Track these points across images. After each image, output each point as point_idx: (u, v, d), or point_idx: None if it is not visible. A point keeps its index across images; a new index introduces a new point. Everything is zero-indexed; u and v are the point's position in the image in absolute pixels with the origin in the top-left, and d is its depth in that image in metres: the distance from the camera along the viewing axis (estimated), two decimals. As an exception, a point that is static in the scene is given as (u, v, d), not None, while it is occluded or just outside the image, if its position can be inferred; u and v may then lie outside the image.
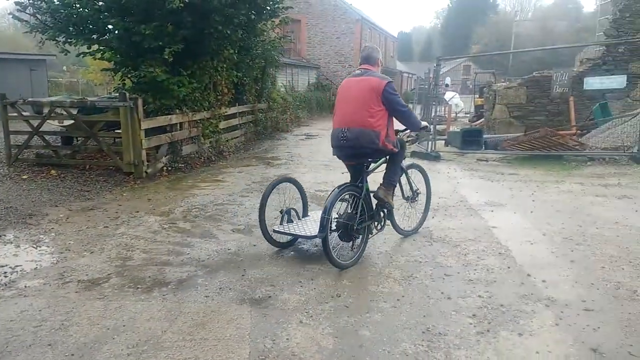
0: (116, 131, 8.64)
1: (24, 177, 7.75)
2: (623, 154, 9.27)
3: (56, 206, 6.32)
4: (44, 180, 7.62)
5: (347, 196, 4.34)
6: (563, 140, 9.76)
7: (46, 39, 8.92)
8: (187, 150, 9.57)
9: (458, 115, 21.23)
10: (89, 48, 9.25)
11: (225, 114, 11.33)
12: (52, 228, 5.41)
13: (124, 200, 6.77)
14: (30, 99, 9.64)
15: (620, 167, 8.72)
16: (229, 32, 9.45)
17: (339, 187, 4.26)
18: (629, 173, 8.20)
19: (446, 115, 16.84)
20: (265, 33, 13.27)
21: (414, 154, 10.89)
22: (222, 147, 10.95)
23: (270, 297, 3.68)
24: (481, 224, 5.58)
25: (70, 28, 8.79)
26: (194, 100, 9.64)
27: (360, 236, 4.40)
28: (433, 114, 11.46)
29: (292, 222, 4.79)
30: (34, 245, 4.84)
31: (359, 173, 4.47)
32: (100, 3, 8.68)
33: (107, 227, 5.47)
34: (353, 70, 4.81)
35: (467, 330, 3.17)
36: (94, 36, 9.11)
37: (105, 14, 8.65)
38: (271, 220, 4.90)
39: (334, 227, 4.28)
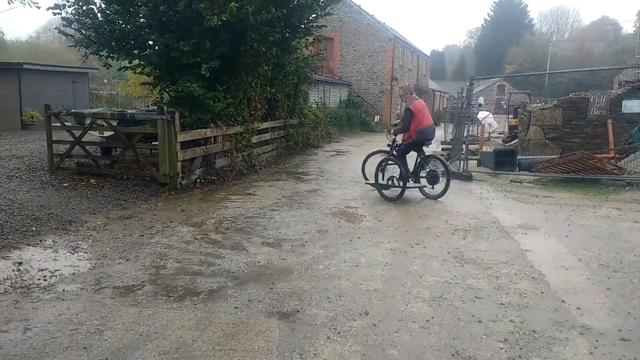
0: (153, 143, 8.89)
1: (65, 184, 8.04)
2: (664, 179, 8.95)
3: (94, 214, 6.54)
4: (83, 188, 7.89)
5: (431, 162, 8.06)
6: (600, 164, 9.48)
7: (90, 53, 9.29)
8: (220, 163, 9.75)
9: (491, 135, 20.93)
10: (130, 63, 9.60)
11: (258, 128, 11.52)
12: (90, 235, 5.59)
13: (159, 210, 6.94)
14: (73, 110, 10.01)
15: (660, 193, 8.41)
16: (264, 49, 9.66)
17: (423, 158, 7.99)
18: (671, 199, 7.91)
19: (479, 135, 16.64)
20: (298, 50, 13.50)
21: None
22: (254, 161, 11.13)
23: (298, 311, 3.71)
24: (514, 246, 5.47)
25: (113, 43, 9.13)
26: (228, 115, 9.86)
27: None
28: (465, 133, 11.36)
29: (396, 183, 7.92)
30: (73, 251, 5.01)
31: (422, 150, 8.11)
32: (142, 20, 9.00)
33: (142, 235, 5.62)
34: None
35: (497, 355, 3.12)
36: (135, 51, 9.45)
37: (146, 30, 8.98)
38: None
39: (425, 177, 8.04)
